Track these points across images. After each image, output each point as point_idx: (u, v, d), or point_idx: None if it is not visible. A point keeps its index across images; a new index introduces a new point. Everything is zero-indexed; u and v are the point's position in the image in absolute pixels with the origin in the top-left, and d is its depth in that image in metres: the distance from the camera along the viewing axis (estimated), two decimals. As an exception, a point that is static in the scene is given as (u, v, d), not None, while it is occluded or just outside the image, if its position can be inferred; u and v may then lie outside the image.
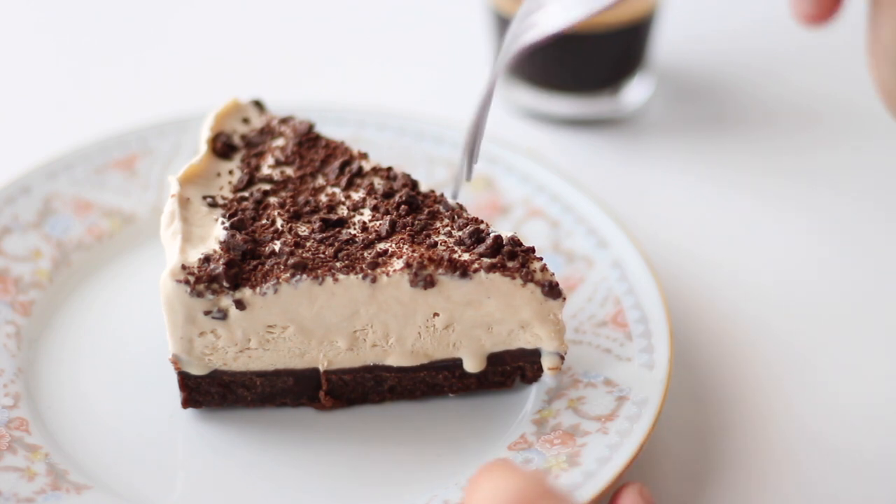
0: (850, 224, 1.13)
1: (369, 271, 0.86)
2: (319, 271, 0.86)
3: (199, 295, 0.86)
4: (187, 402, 0.91)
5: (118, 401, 0.92)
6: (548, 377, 0.92)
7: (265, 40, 1.34)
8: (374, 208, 0.91)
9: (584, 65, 1.20)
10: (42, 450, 0.88)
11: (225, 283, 0.86)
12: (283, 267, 0.86)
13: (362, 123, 1.11)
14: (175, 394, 0.92)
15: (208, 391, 0.91)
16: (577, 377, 0.92)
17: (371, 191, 0.92)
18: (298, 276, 0.86)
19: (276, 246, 0.88)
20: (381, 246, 0.88)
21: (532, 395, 0.92)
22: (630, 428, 0.87)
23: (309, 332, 0.89)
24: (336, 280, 0.86)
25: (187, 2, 1.39)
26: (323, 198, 0.92)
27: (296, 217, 0.90)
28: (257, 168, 0.94)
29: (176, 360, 0.89)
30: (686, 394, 0.96)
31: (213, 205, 0.91)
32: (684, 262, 1.08)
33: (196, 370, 0.90)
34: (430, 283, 0.86)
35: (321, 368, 0.91)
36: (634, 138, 1.22)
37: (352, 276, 0.86)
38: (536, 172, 1.07)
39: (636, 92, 1.23)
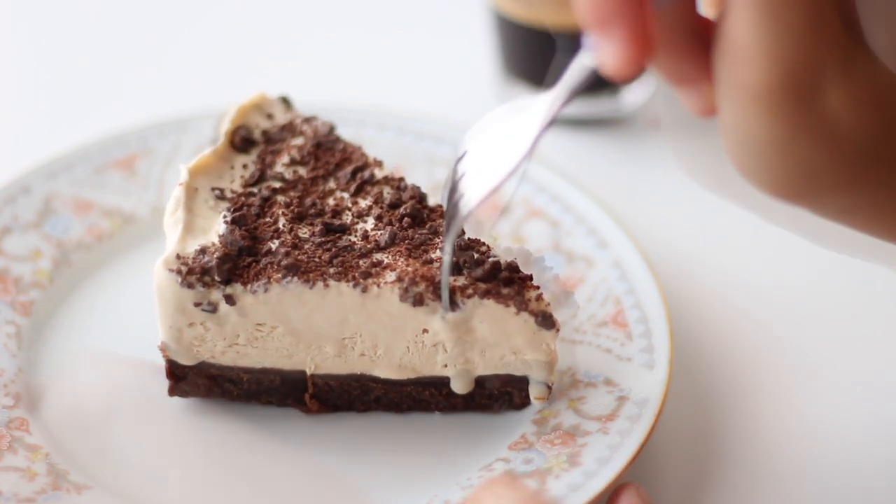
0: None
1: (361, 280, 0.85)
2: (311, 275, 0.86)
3: (190, 286, 0.86)
4: (174, 391, 0.91)
5: (119, 401, 0.92)
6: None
7: (264, 41, 1.34)
8: (378, 217, 0.90)
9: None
10: (42, 450, 0.88)
11: (217, 277, 0.85)
12: (276, 267, 0.86)
13: (362, 123, 1.11)
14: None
15: (195, 382, 0.91)
16: (577, 377, 0.92)
17: (378, 199, 0.91)
18: (289, 278, 0.85)
19: (274, 245, 0.88)
20: (378, 256, 0.87)
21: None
22: (631, 428, 0.87)
23: (297, 335, 0.88)
24: (327, 286, 0.86)
25: (187, 2, 1.39)
26: (330, 202, 0.91)
27: (299, 218, 0.90)
28: (271, 165, 0.94)
29: (164, 348, 0.89)
30: (687, 393, 0.96)
31: (221, 197, 0.91)
32: (684, 262, 1.08)
33: (184, 360, 0.90)
34: (419, 301, 0.86)
35: (308, 371, 0.91)
36: (634, 138, 1.22)
37: (343, 284, 0.86)
38: (536, 172, 1.07)
39: (636, 92, 1.23)
